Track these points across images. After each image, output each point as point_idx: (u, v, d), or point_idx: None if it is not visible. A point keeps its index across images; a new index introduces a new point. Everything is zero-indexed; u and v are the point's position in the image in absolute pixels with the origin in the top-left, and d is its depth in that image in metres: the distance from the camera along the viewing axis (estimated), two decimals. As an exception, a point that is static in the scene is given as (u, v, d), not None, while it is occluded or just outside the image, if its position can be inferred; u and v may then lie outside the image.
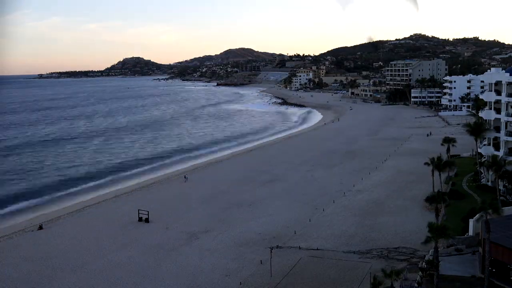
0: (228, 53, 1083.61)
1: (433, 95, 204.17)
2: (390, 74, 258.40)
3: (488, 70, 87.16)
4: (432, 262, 39.69)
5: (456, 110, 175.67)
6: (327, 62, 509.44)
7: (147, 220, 65.28)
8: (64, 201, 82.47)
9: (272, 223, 61.47)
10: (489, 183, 67.61)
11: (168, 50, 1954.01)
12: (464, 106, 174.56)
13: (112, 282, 46.80)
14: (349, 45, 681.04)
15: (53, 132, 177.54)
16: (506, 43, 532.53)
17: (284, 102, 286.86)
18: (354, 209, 65.80)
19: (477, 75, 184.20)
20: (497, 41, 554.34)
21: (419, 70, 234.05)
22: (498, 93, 68.30)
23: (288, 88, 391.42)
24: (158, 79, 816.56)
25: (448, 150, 79.20)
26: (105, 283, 46.61)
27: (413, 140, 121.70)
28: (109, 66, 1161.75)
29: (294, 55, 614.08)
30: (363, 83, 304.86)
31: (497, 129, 68.75)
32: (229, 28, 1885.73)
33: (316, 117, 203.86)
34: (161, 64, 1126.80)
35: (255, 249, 52.72)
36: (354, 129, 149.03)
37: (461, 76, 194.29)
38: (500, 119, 67.88)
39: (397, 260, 47.18)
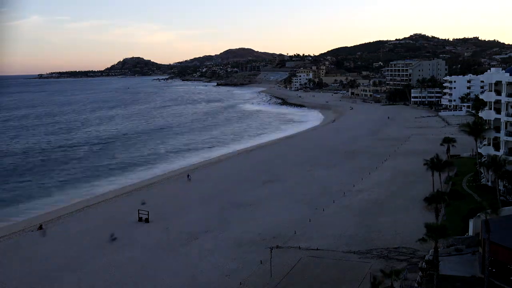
0: (228, 53, 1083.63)
1: (433, 95, 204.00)
2: (390, 74, 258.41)
3: (488, 70, 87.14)
4: (432, 262, 39.70)
5: (456, 110, 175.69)
6: (327, 62, 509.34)
7: (147, 220, 65.30)
8: (64, 201, 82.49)
9: (272, 223, 61.45)
10: (489, 183, 67.62)
11: (168, 50, 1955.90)
12: (464, 106, 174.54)
13: (112, 282, 46.81)
14: (349, 45, 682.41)
15: (53, 134, 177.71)
16: (506, 43, 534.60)
17: (284, 102, 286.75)
18: (354, 209, 65.79)
19: (477, 75, 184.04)
20: (497, 41, 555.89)
21: (419, 70, 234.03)
22: (498, 93, 68.31)
23: (288, 88, 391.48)
24: (158, 79, 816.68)
25: (448, 150, 79.24)
26: (105, 283, 46.63)
27: (413, 140, 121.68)
28: (109, 66, 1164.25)
29: (294, 55, 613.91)
30: (363, 83, 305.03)
31: (497, 129, 68.77)
32: (229, 28, 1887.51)
33: (316, 117, 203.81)
34: (161, 64, 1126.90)
35: (255, 249, 52.70)
36: (354, 129, 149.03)
37: (461, 76, 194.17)
38: (500, 119, 67.89)
39: (397, 260, 47.15)
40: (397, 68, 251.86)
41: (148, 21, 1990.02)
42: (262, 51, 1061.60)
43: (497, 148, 68.65)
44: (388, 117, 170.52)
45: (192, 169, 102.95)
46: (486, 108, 73.08)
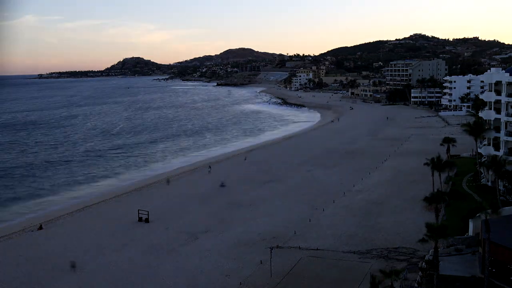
0: (228, 53, 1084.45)
1: (433, 95, 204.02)
2: (390, 74, 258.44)
3: (488, 70, 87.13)
4: (432, 262, 39.72)
5: (456, 110, 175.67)
6: (327, 62, 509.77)
7: (147, 220, 65.28)
8: (64, 201, 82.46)
9: (272, 223, 61.46)
10: (489, 183, 67.62)
11: (168, 50, 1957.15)
12: (464, 106, 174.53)
13: (112, 282, 46.79)
14: (349, 45, 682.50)
15: (53, 134, 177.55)
16: (506, 43, 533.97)
17: (284, 102, 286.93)
18: (354, 209, 65.79)
19: (477, 75, 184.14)
20: (497, 41, 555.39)
21: (419, 70, 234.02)
22: (498, 93, 68.32)
23: (288, 88, 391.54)
24: (158, 79, 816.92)
25: (448, 150, 79.23)
26: (105, 283, 46.62)
27: (413, 140, 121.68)
28: (109, 66, 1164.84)
29: (294, 55, 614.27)
30: (363, 83, 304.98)
31: (497, 129, 68.77)
32: (229, 28, 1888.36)
33: (316, 117, 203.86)
34: (161, 64, 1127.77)
35: (255, 249, 52.71)
36: (354, 129, 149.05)
37: (461, 76, 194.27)
38: (500, 119, 67.90)
39: (397, 260, 47.17)
40: (397, 68, 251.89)
41: (146, 21, 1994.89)
42: (262, 51, 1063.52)
43: (497, 148, 68.66)
44: (387, 118, 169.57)
45: (192, 169, 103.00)
46: (486, 108, 73.06)
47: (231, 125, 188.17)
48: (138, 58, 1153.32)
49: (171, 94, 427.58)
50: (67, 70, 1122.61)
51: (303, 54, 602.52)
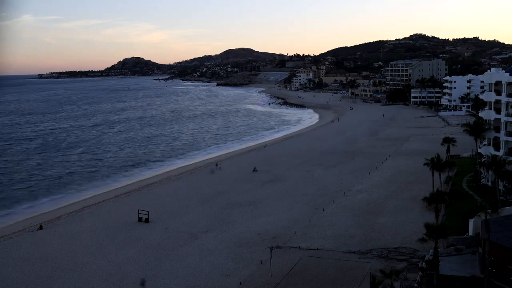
0: (228, 53, 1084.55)
1: (433, 95, 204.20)
2: (390, 74, 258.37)
3: (488, 70, 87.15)
4: (432, 262, 39.72)
5: (456, 110, 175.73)
6: (327, 62, 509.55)
7: (147, 220, 65.28)
8: (64, 201, 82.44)
9: (272, 223, 61.47)
10: (489, 183, 67.62)
11: (168, 50, 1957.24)
12: (464, 106, 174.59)
13: (112, 282, 46.76)
14: (349, 45, 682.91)
15: (54, 133, 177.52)
16: (506, 43, 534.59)
17: (284, 102, 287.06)
18: (354, 209, 65.79)
19: (477, 75, 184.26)
20: (497, 41, 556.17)
21: (419, 70, 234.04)
22: (498, 93, 68.35)
23: (288, 88, 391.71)
24: (158, 79, 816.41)
25: (448, 150, 79.25)
26: (105, 283, 46.59)
27: (413, 140, 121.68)
28: (109, 66, 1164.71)
29: (294, 55, 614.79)
30: (363, 83, 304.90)
31: (497, 129, 68.77)
32: (229, 28, 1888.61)
33: (316, 117, 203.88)
34: (161, 64, 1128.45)
35: (255, 249, 52.72)
36: (354, 129, 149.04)
37: (461, 76, 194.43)
38: (500, 119, 67.90)
39: (397, 260, 47.16)
40: (397, 68, 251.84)
41: (146, 21, 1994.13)
42: (262, 51, 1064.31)
43: (497, 148, 68.66)
44: (383, 115, 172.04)
45: (193, 169, 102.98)
46: (486, 108, 73.11)
47: (230, 126, 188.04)
48: (138, 58, 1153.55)
49: (172, 96, 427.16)
50: (67, 70, 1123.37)
51: (303, 54, 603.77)
